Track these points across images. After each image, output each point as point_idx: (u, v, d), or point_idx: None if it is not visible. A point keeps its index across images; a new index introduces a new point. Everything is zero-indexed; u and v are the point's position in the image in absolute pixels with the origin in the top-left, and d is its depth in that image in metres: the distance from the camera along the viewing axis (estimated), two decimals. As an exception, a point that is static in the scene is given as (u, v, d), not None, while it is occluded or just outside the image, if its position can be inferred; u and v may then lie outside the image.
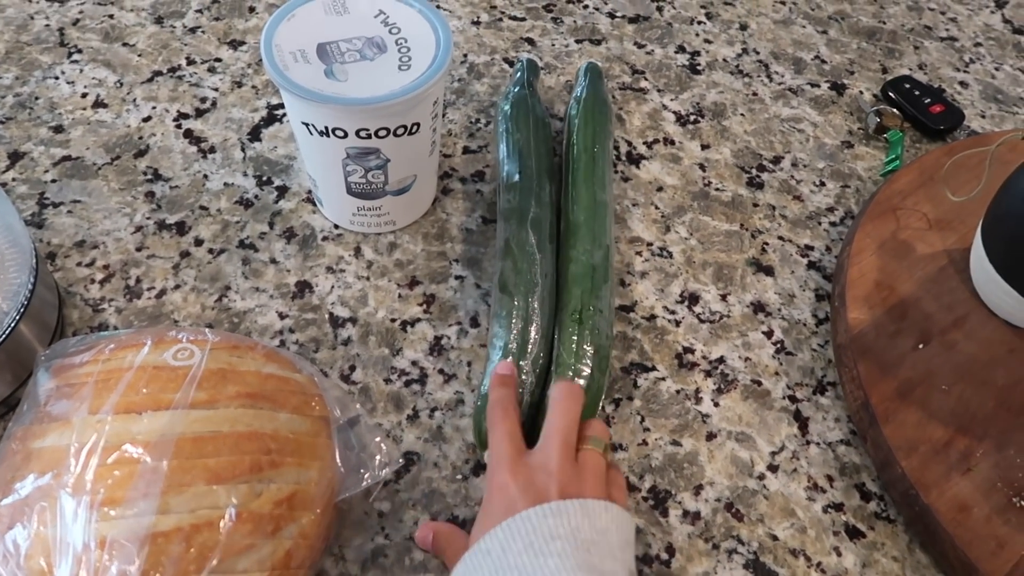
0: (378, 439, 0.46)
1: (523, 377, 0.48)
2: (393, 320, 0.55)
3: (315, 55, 0.50)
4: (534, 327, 0.50)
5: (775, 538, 0.48)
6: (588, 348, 0.49)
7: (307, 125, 0.50)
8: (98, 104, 0.65)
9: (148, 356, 0.41)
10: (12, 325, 0.46)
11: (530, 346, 0.49)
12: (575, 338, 0.49)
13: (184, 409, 0.39)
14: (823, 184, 0.65)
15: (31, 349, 0.49)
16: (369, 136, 0.50)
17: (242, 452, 0.39)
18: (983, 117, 0.71)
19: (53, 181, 0.60)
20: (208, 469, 0.37)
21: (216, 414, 0.40)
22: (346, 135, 0.50)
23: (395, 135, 0.50)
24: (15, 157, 0.61)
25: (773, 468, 0.50)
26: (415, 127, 0.51)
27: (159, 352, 0.42)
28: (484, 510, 0.41)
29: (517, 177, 0.57)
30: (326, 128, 0.50)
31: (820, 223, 0.63)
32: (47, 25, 0.70)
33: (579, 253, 0.53)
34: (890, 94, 0.70)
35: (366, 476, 0.43)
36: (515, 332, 0.50)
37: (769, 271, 0.59)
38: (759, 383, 0.54)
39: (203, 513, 0.37)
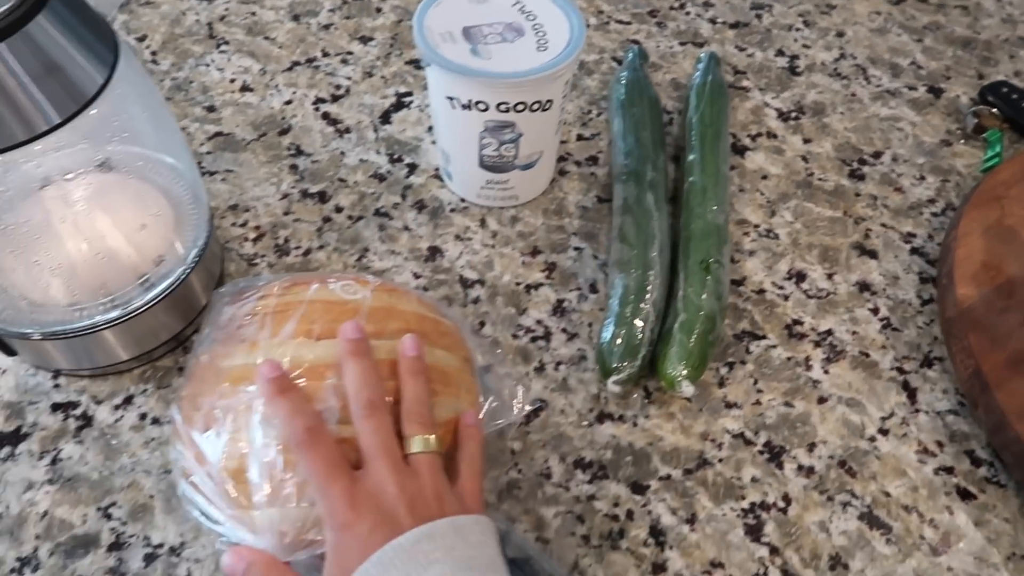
0: (514, 382, 0.49)
1: (643, 315, 0.52)
2: (518, 284, 0.59)
3: (461, 36, 0.55)
4: (653, 273, 0.54)
5: (887, 494, 0.50)
6: (713, 294, 0.53)
7: (451, 99, 0.55)
8: (244, 88, 0.71)
9: (319, 292, 0.46)
10: (189, 270, 0.51)
11: (648, 288, 0.54)
12: (703, 284, 0.53)
13: None
14: (923, 178, 0.68)
15: (198, 294, 0.54)
16: (508, 110, 0.55)
17: None
18: (1081, 122, 0.73)
19: (208, 153, 0.66)
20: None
21: (383, 344, 0.43)
22: (487, 108, 0.55)
23: (530, 110, 0.55)
24: (174, 131, 0.67)
25: (884, 432, 0.52)
26: (548, 103, 0.56)
27: (328, 288, 0.46)
28: (335, 558, 0.37)
29: (635, 144, 0.62)
30: (470, 101, 0.54)
31: (921, 213, 0.65)
32: (197, 20, 0.77)
33: (705, 211, 0.57)
34: (988, 97, 0.73)
35: (513, 408, 0.47)
36: (634, 277, 0.54)
37: (873, 254, 0.62)
38: (867, 355, 0.56)
39: None
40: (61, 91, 0.39)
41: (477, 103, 0.54)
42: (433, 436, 0.40)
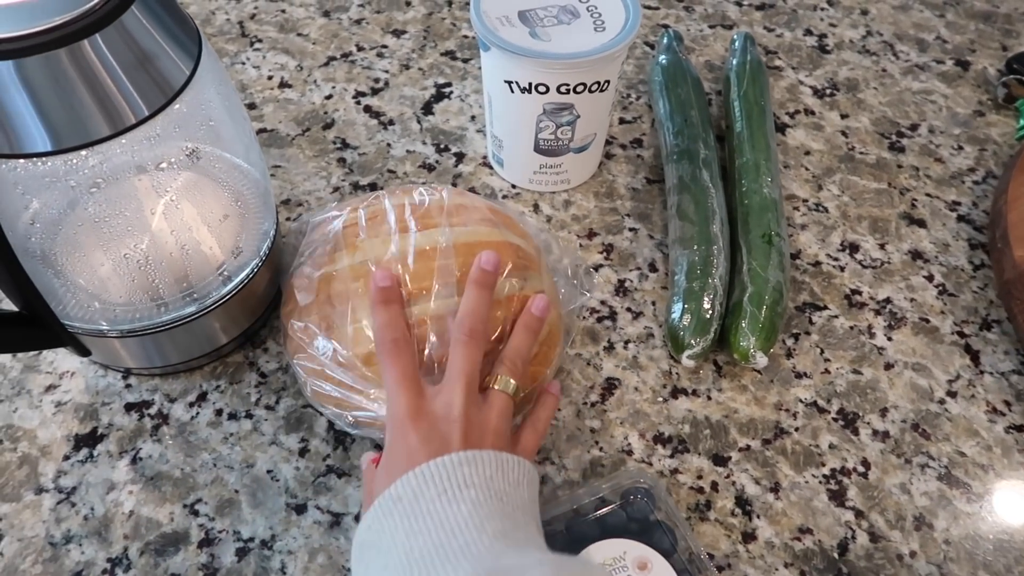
0: (580, 268, 0.52)
1: (711, 290, 0.53)
2: (578, 266, 0.59)
3: (518, 20, 0.55)
4: (716, 248, 0.55)
5: (963, 455, 0.50)
6: (777, 266, 0.54)
7: (510, 83, 0.55)
8: (283, 85, 0.71)
9: (399, 198, 0.49)
10: (262, 262, 0.51)
11: (714, 263, 0.54)
12: (767, 256, 0.54)
13: (447, 227, 0.46)
14: (961, 148, 0.69)
15: (265, 289, 0.53)
16: (568, 91, 0.55)
17: (505, 255, 0.46)
18: (1105, 89, 0.74)
19: (254, 149, 0.65)
20: None
21: (472, 230, 0.47)
22: (547, 91, 0.55)
23: (589, 91, 0.55)
24: (218, 130, 0.67)
25: (952, 394, 0.53)
26: (606, 84, 0.56)
27: (406, 195, 0.49)
28: (386, 459, 0.40)
29: (683, 124, 0.62)
30: (529, 84, 0.55)
31: (963, 182, 0.66)
32: (228, 19, 0.77)
33: (760, 187, 0.58)
34: (1015, 67, 0.74)
35: (582, 292, 0.51)
36: (698, 253, 0.55)
37: (921, 223, 0.63)
38: (927, 320, 0.57)
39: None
40: (151, 83, 0.39)
41: (537, 86, 0.55)
42: (516, 384, 0.42)
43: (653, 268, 0.59)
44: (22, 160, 0.37)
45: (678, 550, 0.43)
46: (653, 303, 0.57)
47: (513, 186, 0.64)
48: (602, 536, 0.42)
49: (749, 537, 0.47)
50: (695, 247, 0.55)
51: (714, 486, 0.49)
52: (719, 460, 0.50)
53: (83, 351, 0.49)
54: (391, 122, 0.68)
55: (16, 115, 0.36)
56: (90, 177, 0.40)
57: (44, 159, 0.37)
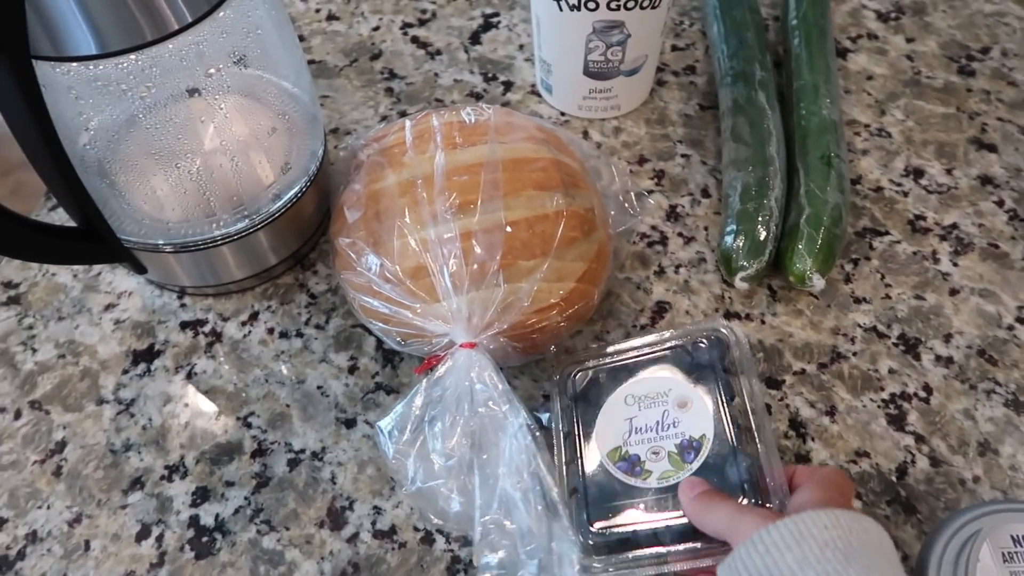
0: (632, 192, 0.51)
1: (766, 212, 0.51)
2: (628, 190, 0.58)
3: (567, -65, 0.53)
4: (772, 169, 0.53)
5: (1033, 381, 0.48)
6: (837, 188, 0.52)
7: (559, 1, 0.54)
8: (331, 17, 0.71)
9: (448, 117, 0.48)
10: (310, 181, 0.51)
11: (770, 185, 0.52)
12: (826, 178, 0.52)
13: (495, 143, 0.46)
14: (1037, 71, 0.65)
15: (313, 211, 0.54)
16: (619, 8, 0.53)
17: (552, 171, 0.46)
18: None
19: (303, 80, 0.65)
20: (533, 180, 0.45)
21: (519, 146, 0.47)
22: (597, 7, 0.53)
23: (640, 7, 0.54)
24: (266, 61, 0.67)
25: (1022, 320, 0.51)
26: (658, 1, 0.54)
27: (455, 114, 0.49)
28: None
29: (738, 46, 0.60)
30: (579, 1, 0.53)
31: (1039, 106, 0.63)
32: (275, -46, 0.77)
33: (819, 108, 0.56)
34: (1099, -13, 0.69)
35: (633, 218, 0.50)
36: (753, 175, 0.53)
37: (992, 148, 0.60)
38: (996, 246, 0.54)
39: (538, 210, 0.44)
40: (197, -12, 0.39)
41: (587, 2, 0.53)
42: None
43: (706, 194, 0.58)
44: (75, 64, 0.38)
45: (733, 401, 0.41)
46: (705, 228, 0.56)
47: (562, 113, 0.63)
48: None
49: (803, 459, 0.46)
50: (750, 169, 0.54)
51: (767, 409, 0.48)
52: (772, 383, 0.49)
53: (139, 268, 0.50)
54: (438, 52, 0.68)
55: (63, 18, 0.36)
56: (142, 84, 0.40)
57: (94, 63, 0.38)
